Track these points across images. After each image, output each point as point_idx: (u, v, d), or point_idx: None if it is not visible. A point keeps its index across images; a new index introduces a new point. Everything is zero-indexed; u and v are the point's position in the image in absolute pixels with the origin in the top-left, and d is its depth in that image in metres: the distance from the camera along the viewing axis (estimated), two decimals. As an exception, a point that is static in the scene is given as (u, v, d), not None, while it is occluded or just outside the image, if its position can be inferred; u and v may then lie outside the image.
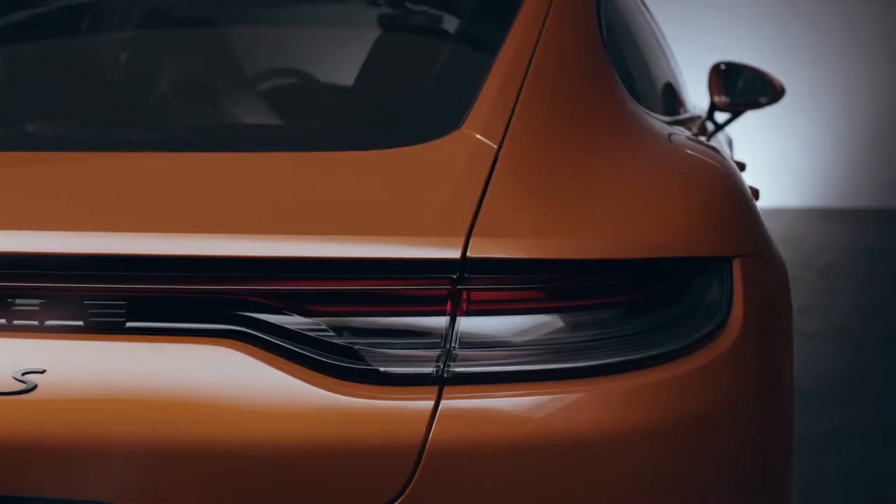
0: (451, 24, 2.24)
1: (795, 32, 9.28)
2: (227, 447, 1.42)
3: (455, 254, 1.44)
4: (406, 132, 1.77)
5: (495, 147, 1.63)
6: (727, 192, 1.85)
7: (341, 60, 2.20)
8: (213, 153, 1.71)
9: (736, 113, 3.98)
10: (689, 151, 2.02)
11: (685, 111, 3.30)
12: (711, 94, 3.85)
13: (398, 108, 1.95)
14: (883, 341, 5.33)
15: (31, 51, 2.49)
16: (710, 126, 3.79)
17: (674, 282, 1.57)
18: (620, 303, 1.51)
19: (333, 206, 1.53)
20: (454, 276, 1.44)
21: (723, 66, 3.91)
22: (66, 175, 1.68)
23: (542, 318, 1.48)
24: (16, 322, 1.47)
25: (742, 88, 3.91)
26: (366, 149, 1.66)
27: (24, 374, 1.45)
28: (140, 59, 2.54)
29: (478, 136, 1.66)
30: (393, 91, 2.08)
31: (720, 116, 3.98)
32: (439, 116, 1.75)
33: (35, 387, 1.44)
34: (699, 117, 3.58)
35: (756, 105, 3.94)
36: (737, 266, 1.65)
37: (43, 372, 1.45)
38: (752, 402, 1.62)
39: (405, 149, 1.65)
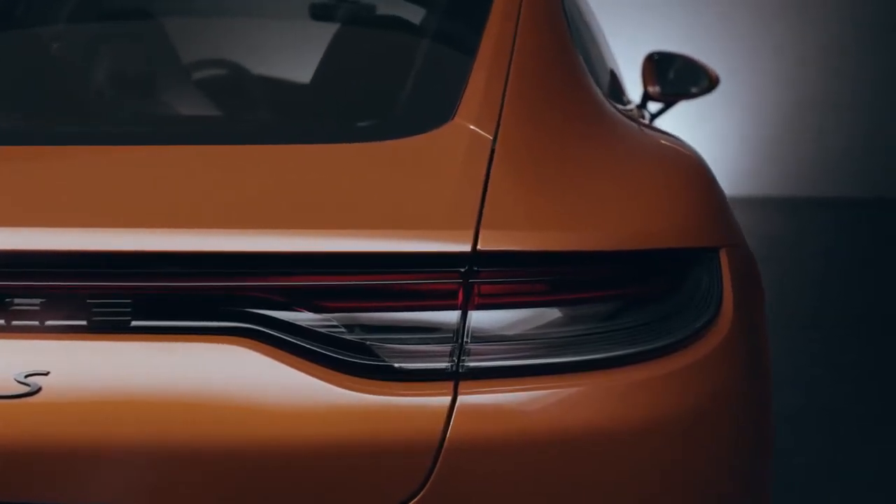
0: (423, 15, 2.22)
1: (705, 24, 9.40)
2: (240, 448, 1.38)
3: (465, 247, 1.42)
4: (399, 124, 1.75)
5: (490, 138, 1.61)
6: (707, 182, 1.86)
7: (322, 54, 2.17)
8: (211, 146, 1.66)
9: (668, 103, 4.01)
10: (663, 142, 2.03)
11: (628, 101, 3.32)
12: (645, 84, 3.88)
13: (387, 100, 1.92)
14: (792, 329, 5.42)
15: None
16: (646, 116, 3.82)
17: (680, 272, 1.57)
18: (632, 293, 1.51)
19: (338, 199, 1.50)
20: (465, 270, 1.42)
21: (656, 56, 3.93)
22: (65, 170, 1.62)
23: (555, 310, 1.46)
24: (17, 322, 1.41)
25: (673, 78, 3.94)
26: (361, 140, 1.64)
27: (27, 376, 1.39)
28: (118, 50, 2.48)
29: (472, 127, 1.64)
30: (380, 83, 2.05)
31: (654, 107, 4.02)
32: (430, 108, 1.73)
33: (39, 389, 1.39)
34: (639, 107, 3.61)
35: (688, 95, 3.98)
36: (723, 256, 1.66)
37: (47, 374, 1.39)
38: (746, 390, 1.63)
39: (402, 140, 1.62)
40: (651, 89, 3.86)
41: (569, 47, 2.05)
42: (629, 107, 3.17)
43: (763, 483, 1.71)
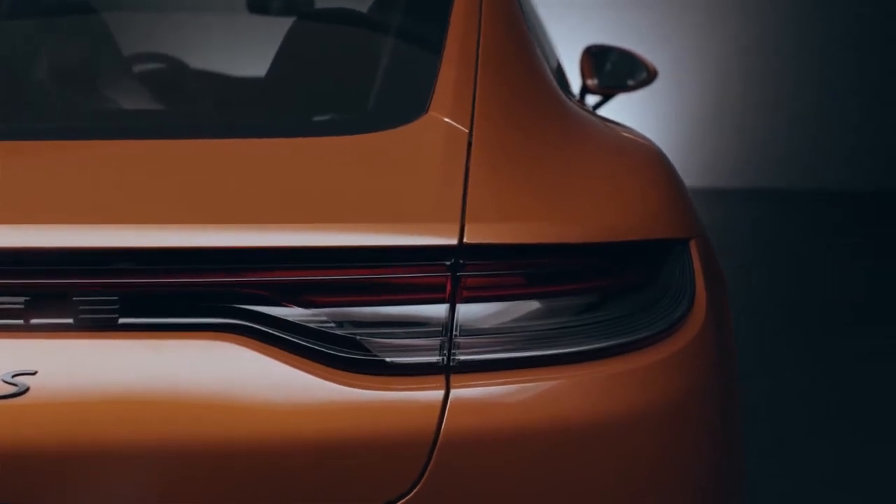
0: (386, 8, 2.21)
1: (628, 20, 9.47)
2: (232, 445, 1.37)
3: (452, 240, 1.42)
4: (374, 117, 1.74)
5: (466, 131, 1.61)
6: (672, 174, 1.87)
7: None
8: (192, 141, 1.64)
9: (606, 96, 4.03)
10: (625, 134, 2.04)
11: (573, 94, 3.34)
12: (583, 77, 3.89)
13: (359, 94, 1.91)
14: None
15: None
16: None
17: (658, 262, 1.59)
18: (616, 285, 1.52)
19: (322, 192, 1.49)
20: (452, 263, 1.42)
21: (594, 49, 3.95)
22: (47, 165, 1.59)
23: (542, 302, 1.47)
24: (2, 321, 1.38)
25: (610, 71, 3.96)
26: (338, 134, 1.63)
27: (14, 376, 1.36)
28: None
29: (447, 120, 1.63)
30: (348, 77, 2.03)
31: (591, 100, 4.03)
32: (402, 101, 1.73)
33: (27, 389, 1.36)
34: (579, 100, 3.62)
35: (625, 87, 4.00)
36: (693, 247, 1.68)
37: (34, 373, 1.37)
38: (721, 380, 1.65)
39: (379, 134, 1.61)
40: (589, 82, 3.87)
41: (528, 41, 2.06)
42: (576, 99, 3.18)
43: (737, 473, 1.73)
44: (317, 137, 1.63)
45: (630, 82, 3.98)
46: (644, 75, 3.90)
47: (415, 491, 1.39)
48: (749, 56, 9.56)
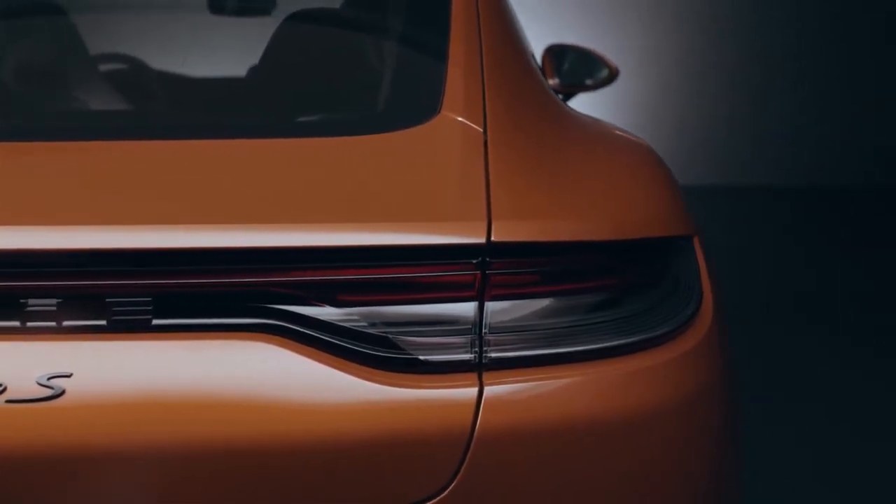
0: (385, 11, 2.22)
1: (563, 16, 9.53)
2: (266, 444, 1.37)
3: (480, 239, 1.43)
4: (387, 117, 1.75)
5: (481, 130, 1.63)
6: (668, 172, 1.90)
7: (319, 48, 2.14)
8: (223, 140, 1.63)
9: (567, 95, 4.05)
10: (617, 132, 2.06)
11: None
12: (545, 76, 3.90)
13: (368, 94, 1.92)
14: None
15: None
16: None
17: (673, 259, 1.61)
18: (638, 281, 1.54)
19: (350, 192, 1.50)
20: (480, 261, 1.43)
21: (555, 49, 3.97)
22: (80, 166, 1.58)
23: (568, 299, 1.48)
24: (37, 324, 1.37)
25: (567, 70, 3.98)
26: (355, 133, 1.63)
27: (49, 378, 1.35)
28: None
29: (461, 119, 1.64)
30: (356, 78, 2.04)
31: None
32: (414, 101, 1.73)
33: (63, 392, 1.35)
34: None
35: (584, 87, 4.01)
36: (696, 244, 1.70)
37: (69, 376, 1.35)
38: (727, 377, 1.68)
39: (396, 133, 1.62)
40: (551, 81, 3.88)
41: (522, 42, 2.08)
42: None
43: (738, 469, 1.76)
44: (340, 137, 1.63)
45: (588, 81, 4.00)
46: (605, 74, 3.92)
47: (451, 487, 1.40)
48: (689, 53, 9.65)
